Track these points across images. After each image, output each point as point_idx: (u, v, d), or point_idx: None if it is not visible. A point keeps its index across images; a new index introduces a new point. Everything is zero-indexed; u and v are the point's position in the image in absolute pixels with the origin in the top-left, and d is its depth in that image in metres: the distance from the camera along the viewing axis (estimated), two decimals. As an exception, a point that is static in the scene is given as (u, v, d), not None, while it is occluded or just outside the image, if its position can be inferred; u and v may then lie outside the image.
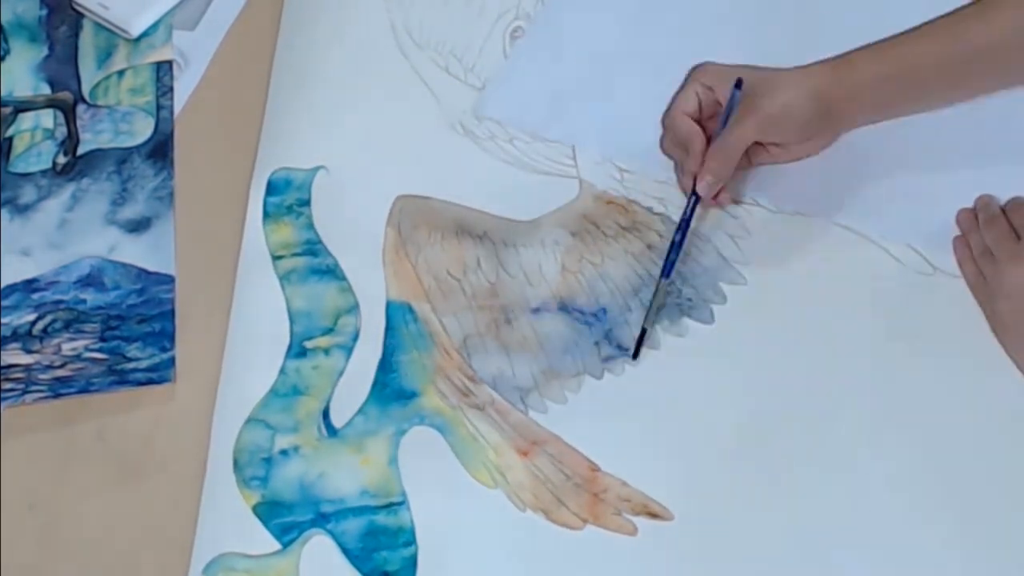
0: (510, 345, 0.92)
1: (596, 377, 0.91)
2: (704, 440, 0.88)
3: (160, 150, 1.02)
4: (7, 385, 0.91)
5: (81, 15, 1.08)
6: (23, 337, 0.94)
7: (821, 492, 0.86)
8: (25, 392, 0.91)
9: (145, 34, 1.07)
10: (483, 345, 0.92)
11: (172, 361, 0.92)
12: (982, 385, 0.89)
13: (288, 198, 0.99)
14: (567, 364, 0.92)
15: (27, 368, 0.92)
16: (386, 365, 0.92)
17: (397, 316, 0.94)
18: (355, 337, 0.93)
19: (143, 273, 0.96)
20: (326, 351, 0.92)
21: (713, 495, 0.86)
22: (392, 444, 0.89)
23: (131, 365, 0.92)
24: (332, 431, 0.89)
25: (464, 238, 0.97)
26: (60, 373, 0.92)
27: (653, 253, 0.96)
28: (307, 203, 0.98)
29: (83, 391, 0.91)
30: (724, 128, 0.94)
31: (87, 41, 1.08)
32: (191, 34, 1.07)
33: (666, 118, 0.96)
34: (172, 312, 0.94)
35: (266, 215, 0.98)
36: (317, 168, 1.00)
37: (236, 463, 0.88)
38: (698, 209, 0.94)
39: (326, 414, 0.90)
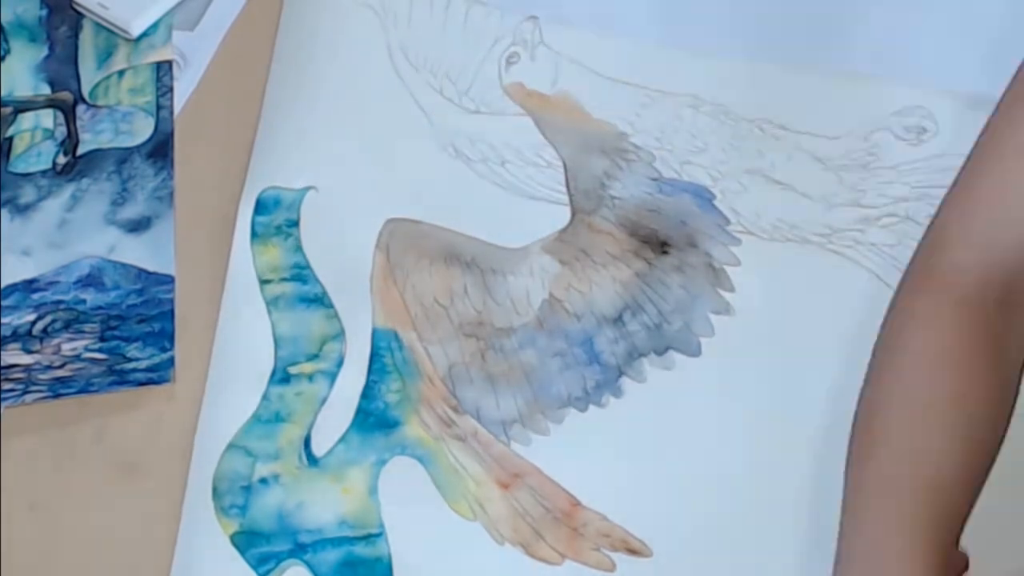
0: (494, 375, 0.92)
1: (580, 410, 0.90)
2: (687, 475, 0.88)
3: (160, 150, 1.01)
4: (7, 385, 0.91)
5: (81, 15, 1.08)
6: (23, 337, 0.94)
7: (811, 531, 0.85)
8: (25, 392, 0.91)
9: (145, 34, 1.06)
10: (468, 374, 0.92)
11: (172, 361, 0.92)
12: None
13: (277, 218, 0.98)
14: (551, 395, 0.91)
15: (27, 368, 0.92)
16: (370, 393, 0.91)
17: (383, 343, 0.93)
18: (339, 363, 0.92)
19: (143, 273, 0.96)
20: (310, 377, 0.92)
21: (695, 532, 0.86)
22: (373, 474, 0.88)
23: (131, 365, 0.92)
24: (313, 460, 0.89)
25: (452, 264, 0.96)
26: (60, 373, 0.92)
27: (641, 281, 0.95)
28: (296, 224, 0.98)
29: (83, 391, 0.91)
30: None
31: (87, 41, 1.07)
32: (191, 34, 1.07)
33: None
34: (172, 312, 0.94)
35: (254, 235, 0.97)
36: (307, 188, 0.99)
37: (215, 490, 0.88)
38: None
39: (307, 442, 0.89)
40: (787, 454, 0.88)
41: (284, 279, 0.95)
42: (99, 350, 0.93)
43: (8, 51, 1.07)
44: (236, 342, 0.93)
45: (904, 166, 0.97)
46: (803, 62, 1.01)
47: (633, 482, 0.88)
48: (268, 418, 0.90)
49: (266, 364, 0.92)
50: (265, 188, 0.99)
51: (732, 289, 0.94)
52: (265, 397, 0.91)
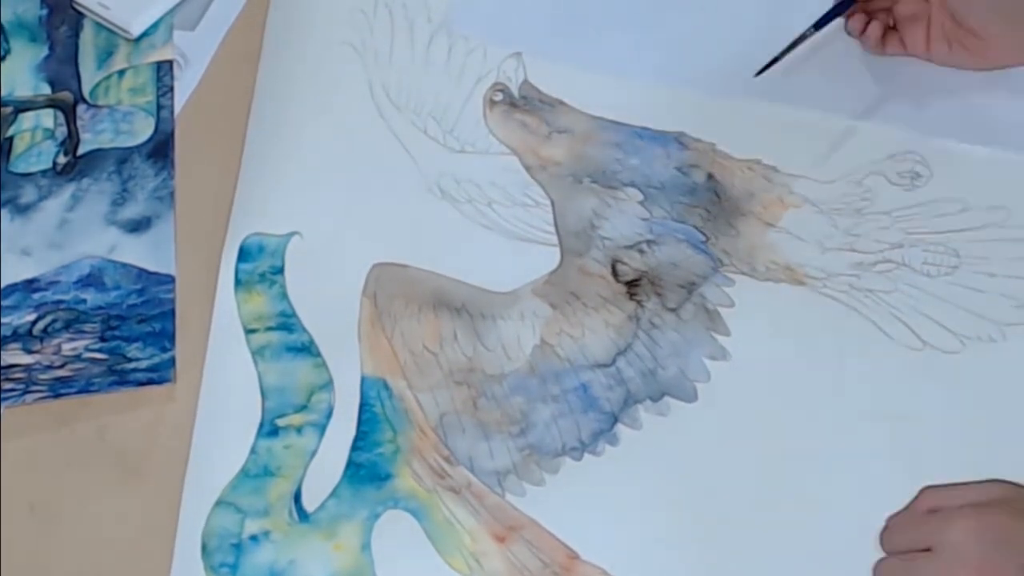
0: (487, 423, 0.90)
1: (575, 459, 0.89)
2: (687, 525, 0.86)
3: (160, 150, 1.01)
4: (7, 385, 0.90)
5: (81, 15, 1.07)
6: (23, 337, 0.93)
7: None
8: (25, 392, 0.90)
9: (145, 34, 1.06)
10: (459, 423, 0.90)
11: (172, 361, 0.91)
12: (974, 461, 0.86)
13: (261, 265, 0.96)
14: (546, 444, 0.89)
15: (27, 368, 0.91)
16: (360, 445, 0.89)
17: (372, 392, 0.91)
18: (328, 415, 0.90)
19: (143, 273, 0.95)
20: (298, 429, 0.90)
21: (695, 582, 0.84)
22: (365, 529, 0.86)
23: (131, 365, 0.91)
24: (303, 515, 0.87)
25: (441, 310, 0.94)
26: (60, 373, 0.91)
27: (634, 324, 0.93)
28: (280, 271, 0.96)
29: (83, 391, 0.90)
30: None
31: (87, 41, 1.07)
32: (191, 34, 1.07)
33: None
34: (172, 312, 0.93)
35: (238, 283, 0.96)
36: (291, 234, 0.97)
37: (205, 548, 0.86)
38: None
39: (298, 497, 0.88)
40: (786, 500, 0.87)
41: (270, 328, 0.93)
42: (99, 350, 0.92)
43: (8, 51, 1.06)
44: (222, 394, 0.91)
45: (898, 211, 0.97)
46: (794, 103, 1.00)
47: (632, 533, 0.86)
48: (257, 472, 0.88)
49: (253, 416, 0.90)
50: (248, 235, 0.97)
51: (727, 332, 0.93)
52: (253, 451, 0.89)
